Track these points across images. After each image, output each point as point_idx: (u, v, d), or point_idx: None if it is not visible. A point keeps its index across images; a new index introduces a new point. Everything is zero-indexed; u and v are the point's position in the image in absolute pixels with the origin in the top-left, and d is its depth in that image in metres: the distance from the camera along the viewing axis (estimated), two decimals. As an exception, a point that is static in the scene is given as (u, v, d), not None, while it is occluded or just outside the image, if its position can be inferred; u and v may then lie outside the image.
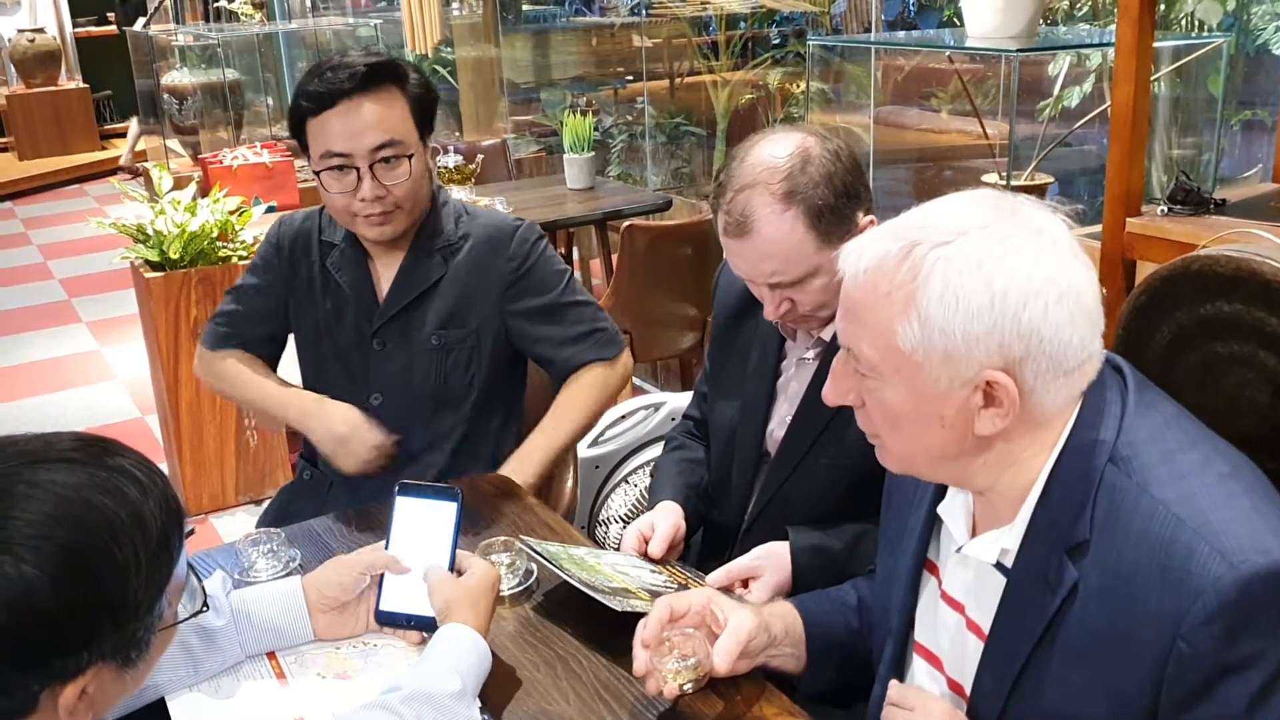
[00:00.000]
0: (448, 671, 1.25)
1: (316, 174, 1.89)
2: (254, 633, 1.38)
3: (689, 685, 1.26)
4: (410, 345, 1.99)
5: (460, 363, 1.99)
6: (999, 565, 1.14)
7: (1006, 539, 1.12)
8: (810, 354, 1.75)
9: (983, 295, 1.01)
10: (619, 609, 1.39)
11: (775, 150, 1.57)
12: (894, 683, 1.22)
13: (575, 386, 2.02)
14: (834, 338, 1.68)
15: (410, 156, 1.88)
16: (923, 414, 1.08)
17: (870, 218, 1.61)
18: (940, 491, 1.23)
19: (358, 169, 1.85)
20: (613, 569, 1.56)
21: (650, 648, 1.26)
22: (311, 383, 2.10)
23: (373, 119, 1.84)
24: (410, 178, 1.88)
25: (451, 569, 1.42)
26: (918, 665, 1.27)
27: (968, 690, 1.17)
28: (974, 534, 1.17)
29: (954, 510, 1.20)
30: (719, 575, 1.64)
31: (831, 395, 1.16)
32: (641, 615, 1.33)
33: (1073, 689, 1.06)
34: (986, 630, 1.14)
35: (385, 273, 2.01)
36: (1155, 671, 1.00)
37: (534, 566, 1.59)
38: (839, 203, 1.55)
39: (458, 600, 1.36)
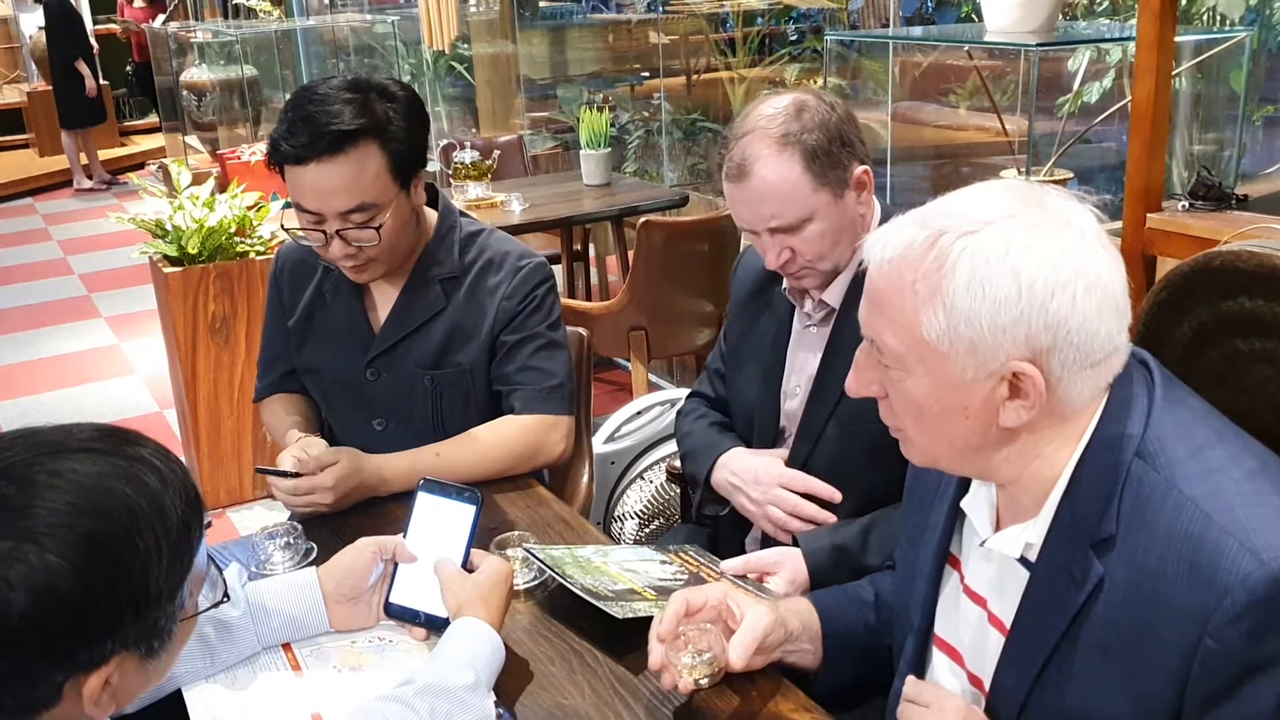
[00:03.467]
0: (461, 664, 1.25)
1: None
2: (270, 624, 1.39)
3: (704, 680, 1.25)
4: (406, 378, 1.92)
5: (456, 400, 1.93)
6: (1022, 559, 1.13)
7: (1030, 533, 1.11)
8: (815, 323, 1.77)
9: (1010, 285, 1.00)
10: (621, 616, 1.39)
11: (774, 102, 1.68)
12: (910, 679, 1.21)
13: (497, 432, 1.89)
14: (841, 305, 1.72)
15: (385, 213, 1.76)
16: (947, 405, 1.07)
17: (865, 168, 1.68)
18: (963, 486, 1.22)
19: (324, 230, 1.76)
20: (620, 568, 1.56)
21: (666, 642, 1.26)
22: (320, 405, 2.06)
23: (341, 183, 1.71)
24: (380, 239, 1.77)
25: (465, 569, 1.42)
26: (938, 660, 1.27)
27: (988, 685, 1.17)
28: (998, 528, 1.17)
29: (978, 504, 1.19)
30: (735, 564, 1.64)
31: (854, 387, 1.15)
32: (645, 619, 1.33)
33: (1095, 685, 1.06)
34: (1008, 625, 1.14)
35: (382, 303, 1.94)
36: (1181, 669, 0.99)
37: (549, 561, 1.59)
38: (833, 147, 1.63)
39: (470, 595, 1.36)
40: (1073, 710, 1.07)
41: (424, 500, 1.45)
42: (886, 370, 1.10)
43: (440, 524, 1.44)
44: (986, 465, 1.11)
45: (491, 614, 1.34)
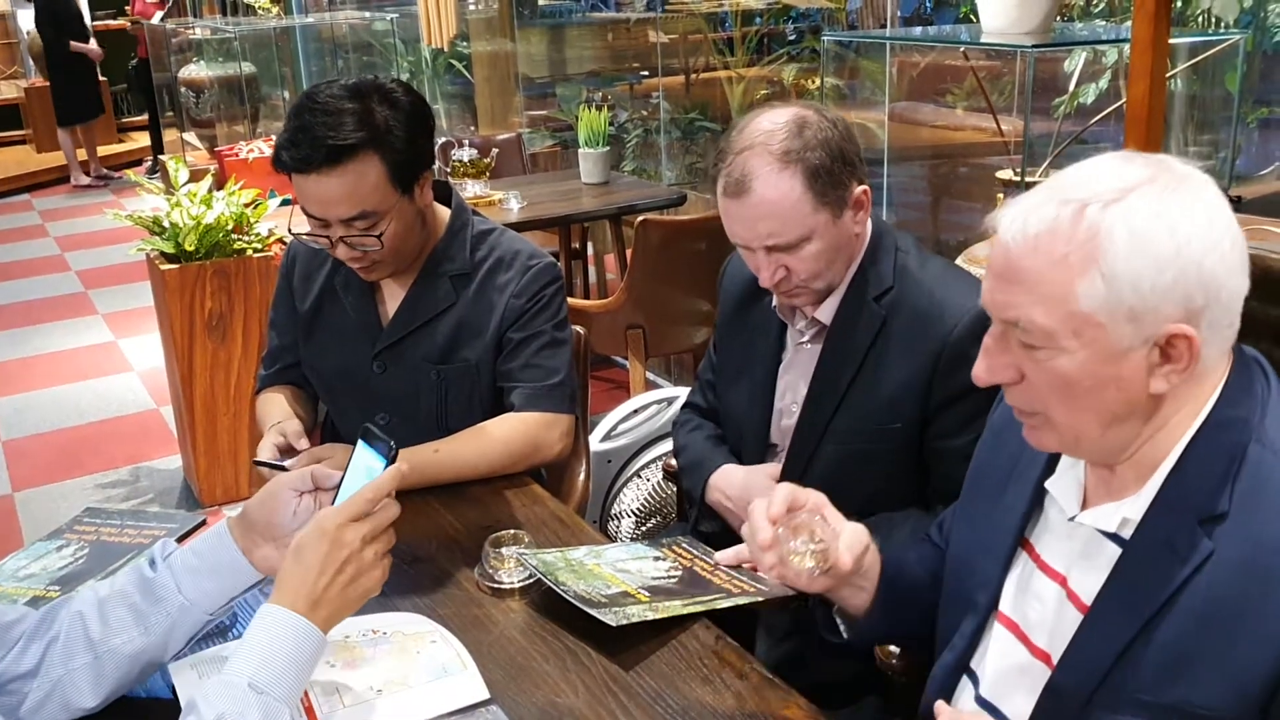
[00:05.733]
0: (250, 699, 1.11)
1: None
2: (191, 579, 1.31)
3: (815, 568, 1.24)
4: (412, 372, 1.94)
5: (461, 396, 1.95)
6: (1113, 536, 1.13)
7: (1129, 509, 1.11)
8: (807, 340, 1.76)
9: (1167, 246, 1.01)
10: (614, 623, 1.38)
11: (774, 117, 1.63)
12: (939, 704, 1.17)
13: (497, 429, 1.90)
14: (833, 320, 1.70)
15: (387, 220, 1.78)
16: (1100, 378, 1.06)
17: (864, 188, 1.66)
18: (1049, 468, 1.22)
19: (329, 236, 1.80)
20: (613, 569, 1.55)
21: (778, 524, 1.24)
22: (324, 399, 2.09)
23: (340, 194, 1.74)
24: (383, 244, 1.80)
25: None
26: (997, 632, 1.25)
27: (1056, 660, 1.15)
28: (1084, 507, 1.17)
29: (1065, 484, 1.19)
30: (728, 555, 1.64)
31: (985, 375, 1.13)
32: (639, 624, 1.31)
33: (1185, 659, 1.05)
34: (1088, 601, 1.13)
35: (391, 297, 1.96)
36: None
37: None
38: (835, 166, 1.60)
39: (284, 570, 1.20)
40: (1155, 683, 1.06)
41: (359, 452, 1.35)
42: (1030, 351, 1.08)
43: (362, 476, 1.33)
44: (1124, 440, 1.10)
45: (295, 593, 1.18)
